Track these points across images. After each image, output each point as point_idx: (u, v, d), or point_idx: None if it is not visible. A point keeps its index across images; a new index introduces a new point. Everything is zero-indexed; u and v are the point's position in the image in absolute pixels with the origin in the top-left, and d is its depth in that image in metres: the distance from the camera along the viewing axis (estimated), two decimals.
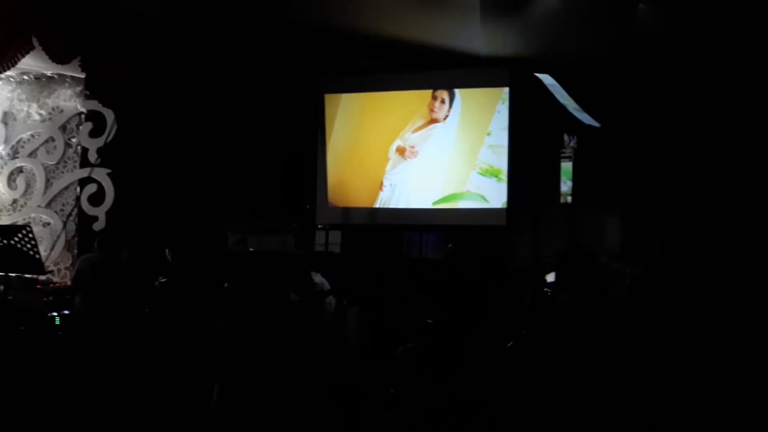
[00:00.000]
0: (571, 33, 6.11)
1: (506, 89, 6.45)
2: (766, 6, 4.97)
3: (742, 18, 5.10)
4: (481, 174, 6.20)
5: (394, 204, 6.77)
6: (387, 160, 6.43)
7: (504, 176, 6.25)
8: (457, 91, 6.18)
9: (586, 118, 7.06)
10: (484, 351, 3.08)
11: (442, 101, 6.22)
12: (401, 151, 6.29)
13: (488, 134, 6.09)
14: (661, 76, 6.30)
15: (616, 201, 6.81)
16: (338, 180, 7.22)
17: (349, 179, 6.98)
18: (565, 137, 7.13)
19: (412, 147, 6.26)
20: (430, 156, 6.35)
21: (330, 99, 7.73)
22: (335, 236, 7.81)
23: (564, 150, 7.11)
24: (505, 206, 6.96)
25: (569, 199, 7.06)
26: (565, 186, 7.01)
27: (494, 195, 6.35)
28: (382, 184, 6.49)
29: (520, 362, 2.89)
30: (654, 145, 6.59)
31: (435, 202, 6.25)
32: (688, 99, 6.28)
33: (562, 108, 7.13)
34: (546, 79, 7.10)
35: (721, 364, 3.12)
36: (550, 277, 4.65)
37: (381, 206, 6.67)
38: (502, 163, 6.25)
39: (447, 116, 6.20)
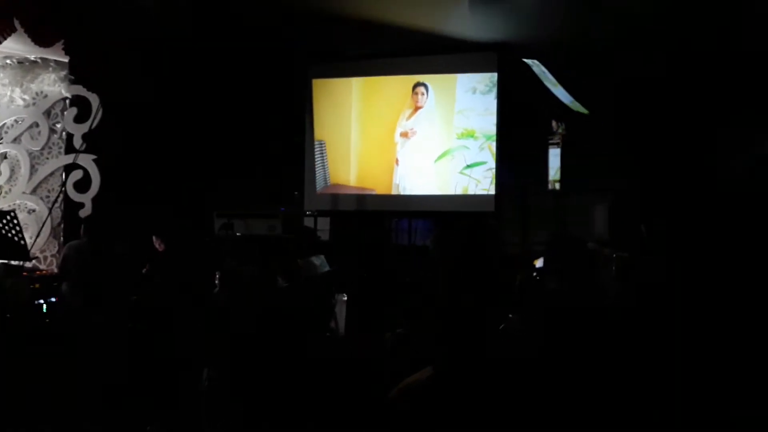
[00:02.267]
0: (560, 18, 6.10)
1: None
2: None
3: (736, 5, 5.10)
4: (459, 138, 7.11)
5: (408, 179, 7.30)
6: (395, 143, 7.31)
7: (478, 134, 7.03)
8: (428, 83, 7.16)
9: (574, 104, 7.08)
10: (474, 335, 3.09)
11: (423, 93, 7.16)
12: (404, 134, 7.28)
13: (455, 101, 7.06)
14: (650, 62, 6.31)
15: (603, 188, 6.84)
16: (346, 161, 7.52)
17: (365, 160, 7.45)
18: (554, 123, 7.14)
19: (412, 129, 7.25)
20: (424, 133, 7.25)
21: (319, 84, 7.70)
22: (324, 223, 7.81)
23: (552, 136, 7.12)
24: (489, 191, 7.11)
25: (557, 185, 7.08)
26: (553, 172, 7.03)
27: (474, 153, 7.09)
28: (397, 160, 7.33)
29: (509, 347, 2.90)
30: (642, 132, 6.61)
31: (436, 159, 7.20)
32: (676, 85, 6.30)
33: (551, 94, 7.14)
34: (534, 65, 7.10)
35: (709, 350, 3.15)
36: (539, 263, 4.67)
37: (398, 182, 7.32)
38: (472, 124, 7.06)
39: (426, 102, 7.18)
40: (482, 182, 7.05)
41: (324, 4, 6.31)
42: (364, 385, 3.64)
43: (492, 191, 7.07)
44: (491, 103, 7.07)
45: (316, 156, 7.70)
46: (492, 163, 7.03)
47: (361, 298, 5.91)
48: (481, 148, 7.05)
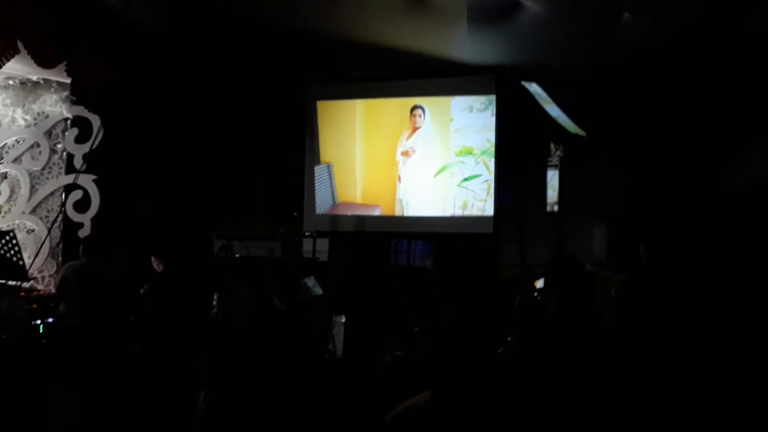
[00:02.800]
0: (558, 42, 6.17)
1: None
2: (752, 17, 5.03)
3: (728, 28, 5.15)
4: (457, 155, 7.37)
5: (410, 194, 7.57)
6: (397, 162, 7.61)
7: (476, 150, 7.29)
8: (425, 105, 7.47)
9: (572, 126, 7.13)
10: (473, 358, 3.08)
11: (420, 115, 7.48)
12: (405, 153, 7.57)
13: (452, 120, 7.35)
14: (646, 85, 6.36)
15: (601, 210, 6.86)
16: (352, 180, 7.78)
17: (370, 179, 7.74)
18: (552, 146, 7.19)
19: (411, 148, 7.54)
20: (423, 151, 7.53)
21: (323, 106, 7.88)
22: (323, 244, 7.82)
23: (550, 158, 7.16)
24: (485, 214, 7.22)
25: (556, 207, 7.11)
26: (552, 194, 7.07)
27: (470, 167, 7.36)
28: (399, 177, 7.61)
29: (509, 369, 2.90)
30: (639, 154, 6.65)
31: (434, 175, 7.45)
32: (673, 107, 6.35)
33: (548, 117, 7.19)
34: (532, 87, 7.16)
35: (706, 369, 3.14)
36: (540, 283, 4.67)
37: (401, 197, 7.59)
38: (470, 141, 7.30)
39: (424, 123, 7.50)
40: (479, 194, 7.27)
41: (328, 27, 6.40)
42: (363, 408, 3.62)
43: (489, 202, 7.22)
44: (488, 119, 7.23)
45: (323, 178, 7.85)
46: (487, 176, 7.24)
47: (359, 320, 5.90)
48: (477, 162, 7.30)
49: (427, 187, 7.46)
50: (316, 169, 7.85)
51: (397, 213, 7.60)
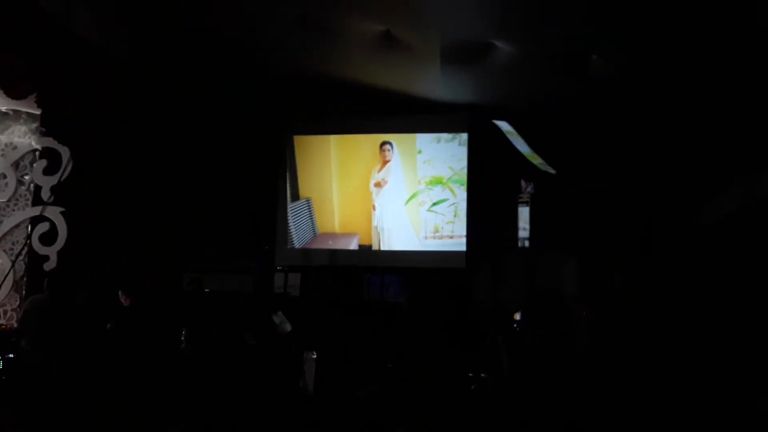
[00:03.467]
0: (528, 81, 6.31)
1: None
2: (719, 54, 5.16)
3: (695, 63, 5.29)
4: (427, 185, 7.70)
5: (385, 221, 7.81)
6: (370, 192, 7.86)
7: (446, 180, 7.62)
8: (393, 140, 7.79)
9: (542, 165, 7.25)
10: (447, 394, 3.07)
11: (389, 150, 7.78)
12: (378, 184, 7.83)
13: (419, 152, 7.71)
14: (615, 122, 6.51)
15: (572, 245, 6.94)
16: (330, 212, 7.99)
17: (346, 210, 7.96)
18: (522, 183, 7.30)
19: (383, 179, 7.81)
20: (394, 182, 7.84)
21: (300, 141, 8.05)
22: (294, 278, 7.76)
23: (521, 195, 7.27)
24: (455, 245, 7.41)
25: (527, 243, 7.18)
26: (523, 231, 7.14)
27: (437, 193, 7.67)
28: (374, 206, 7.83)
29: (484, 405, 2.88)
30: (608, 188, 6.77)
31: (406, 202, 7.76)
32: (641, 142, 6.49)
33: (519, 154, 7.32)
34: (503, 125, 7.30)
35: (684, 402, 3.17)
36: (518, 316, 4.68)
37: (377, 224, 7.81)
38: (439, 171, 7.65)
39: (393, 156, 7.81)
40: (447, 215, 7.57)
41: (305, 66, 6.47)
42: None
43: (457, 223, 7.47)
44: (455, 149, 7.55)
45: (303, 212, 8.00)
46: (453, 199, 7.54)
47: (331, 355, 5.83)
48: (443, 189, 7.61)
49: (399, 213, 7.72)
50: (296, 204, 8.00)
51: (374, 240, 7.76)
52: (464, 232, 7.40)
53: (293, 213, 7.99)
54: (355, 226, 7.87)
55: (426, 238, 7.58)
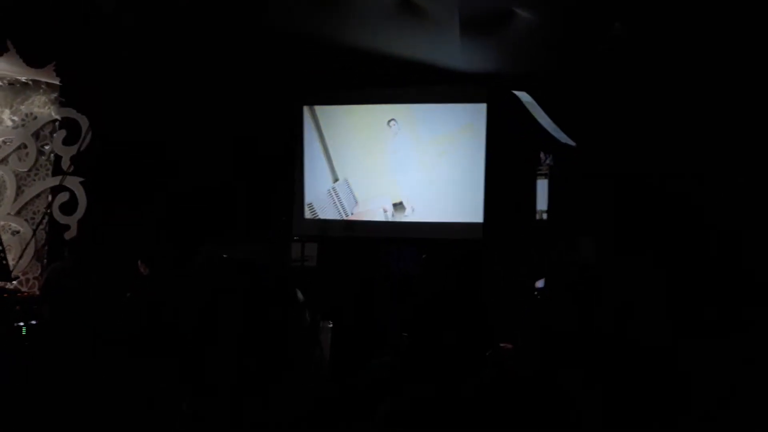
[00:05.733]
0: (549, 50, 6.19)
1: None
2: (746, 29, 5.03)
3: (721, 38, 5.16)
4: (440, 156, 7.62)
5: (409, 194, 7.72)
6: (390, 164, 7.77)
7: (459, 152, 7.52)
8: (400, 115, 7.72)
9: (562, 136, 7.15)
10: (462, 363, 3.06)
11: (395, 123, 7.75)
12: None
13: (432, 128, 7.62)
14: (637, 93, 6.38)
15: (590, 218, 6.86)
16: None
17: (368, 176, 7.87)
18: (541, 155, 7.20)
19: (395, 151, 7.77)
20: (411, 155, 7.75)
21: (313, 110, 7.92)
22: (311, 249, 7.78)
23: (540, 167, 7.18)
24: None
25: (544, 216, 7.11)
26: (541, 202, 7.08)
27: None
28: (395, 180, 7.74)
29: (499, 375, 2.88)
30: (629, 163, 6.66)
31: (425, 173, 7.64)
32: (665, 116, 6.35)
33: (539, 126, 7.21)
34: (523, 96, 7.18)
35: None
36: (540, 283, 4.65)
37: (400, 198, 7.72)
38: (452, 145, 7.57)
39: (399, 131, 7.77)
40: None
41: (319, 33, 6.39)
42: (352, 412, 3.59)
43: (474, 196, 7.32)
44: (474, 125, 7.39)
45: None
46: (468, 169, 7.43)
47: (347, 325, 5.87)
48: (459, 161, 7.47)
49: (422, 184, 7.58)
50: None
51: (397, 213, 7.69)
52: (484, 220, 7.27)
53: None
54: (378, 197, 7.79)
55: (443, 222, 7.44)
